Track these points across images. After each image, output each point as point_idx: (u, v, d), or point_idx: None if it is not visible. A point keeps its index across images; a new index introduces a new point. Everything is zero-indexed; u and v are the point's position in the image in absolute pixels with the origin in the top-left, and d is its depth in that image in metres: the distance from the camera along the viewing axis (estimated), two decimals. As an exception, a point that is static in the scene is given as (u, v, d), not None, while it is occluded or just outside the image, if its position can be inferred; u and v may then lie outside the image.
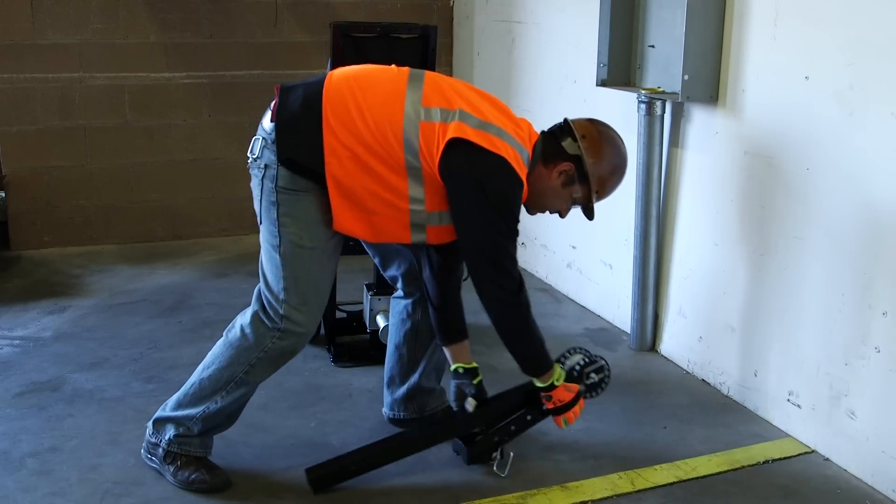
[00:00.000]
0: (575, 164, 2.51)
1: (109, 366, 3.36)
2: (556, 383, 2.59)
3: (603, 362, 2.74)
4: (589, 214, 2.62)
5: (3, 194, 4.77)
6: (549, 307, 4.13)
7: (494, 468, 2.66)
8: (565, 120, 2.59)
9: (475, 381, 2.74)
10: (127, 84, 4.81)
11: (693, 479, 2.66)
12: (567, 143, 2.52)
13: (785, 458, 2.79)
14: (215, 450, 2.64)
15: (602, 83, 3.55)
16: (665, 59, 3.35)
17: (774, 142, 2.93)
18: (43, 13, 4.59)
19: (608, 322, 3.93)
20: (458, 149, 2.33)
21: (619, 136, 2.60)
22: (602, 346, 3.66)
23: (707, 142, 3.25)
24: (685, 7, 3.04)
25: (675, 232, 3.46)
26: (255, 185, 2.48)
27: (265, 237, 2.50)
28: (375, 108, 2.36)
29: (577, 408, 2.65)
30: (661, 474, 2.67)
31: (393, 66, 2.52)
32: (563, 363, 2.73)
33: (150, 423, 2.63)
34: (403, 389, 2.88)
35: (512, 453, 2.67)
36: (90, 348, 3.52)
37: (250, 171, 2.50)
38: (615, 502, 2.54)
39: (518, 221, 2.45)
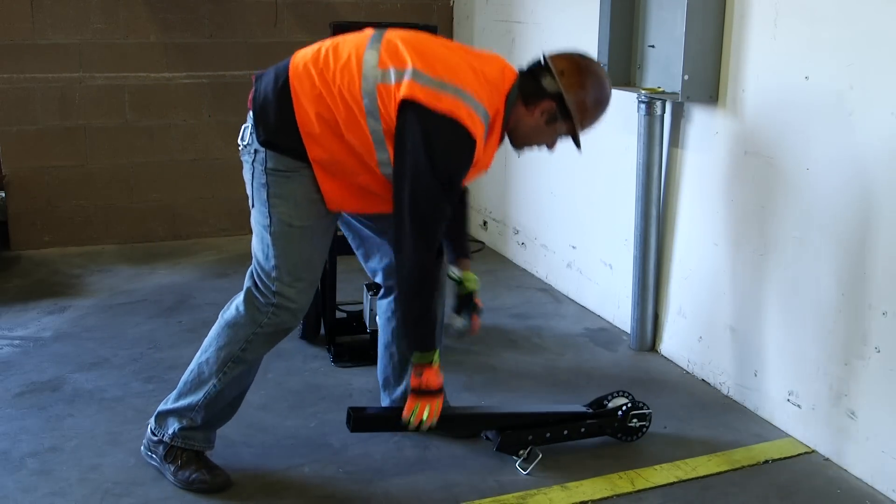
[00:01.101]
0: (556, 101, 2.46)
1: (109, 366, 3.36)
2: (433, 362, 2.48)
3: (649, 411, 2.83)
4: (577, 145, 2.56)
5: (3, 194, 4.77)
6: (549, 307, 4.13)
7: (517, 464, 2.68)
8: (543, 56, 2.52)
9: (462, 293, 2.73)
10: (127, 84, 4.81)
11: (693, 479, 2.66)
12: (547, 82, 2.46)
13: (785, 458, 2.79)
14: (215, 450, 2.64)
15: (602, 83, 3.54)
16: (665, 59, 3.35)
17: (774, 142, 2.93)
18: (43, 13, 4.59)
19: (608, 322, 3.93)
20: (408, 109, 2.31)
21: (599, 67, 2.55)
22: (602, 346, 3.66)
23: (707, 142, 3.25)
24: (685, 7, 3.04)
25: (675, 232, 3.46)
26: (246, 170, 2.53)
27: (256, 219, 2.54)
28: (336, 78, 2.37)
29: (436, 403, 2.51)
30: (661, 474, 2.67)
31: (364, 30, 2.52)
32: (606, 404, 2.83)
33: (151, 419, 2.64)
34: (401, 389, 2.88)
35: (540, 454, 2.68)
36: (90, 348, 3.52)
37: (242, 157, 2.55)
38: (615, 502, 2.54)
39: (459, 184, 2.44)
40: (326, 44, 2.49)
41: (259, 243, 2.54)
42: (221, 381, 2.54)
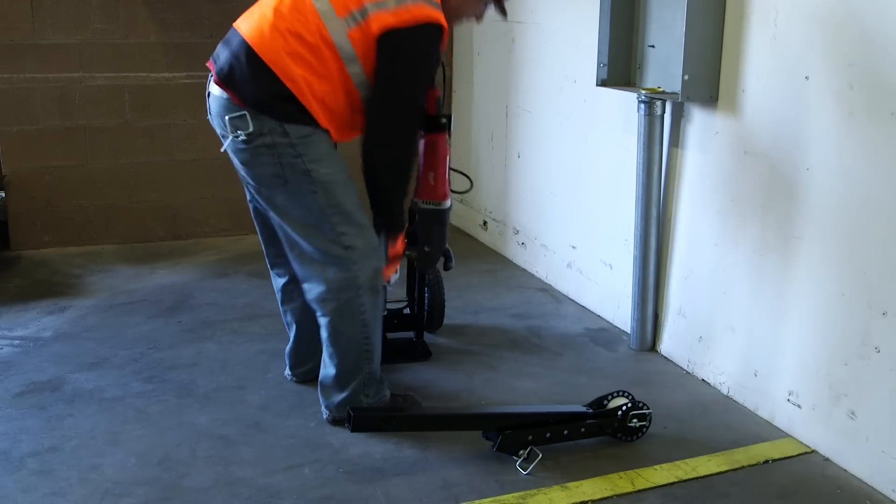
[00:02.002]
0: None
1: (109, 366, 3.36)
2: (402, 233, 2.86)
3: (649, 411, 2.84)
4: (503, 12, 2.90)
5: (3, 194, 4.77)
6: (549, 307, 4.13)
7: (517, 464, 2.68)
8: None
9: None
10: (127, 84, 4.81)
11: (693, 479, 2.66)
12: None
13: (785, 458, 2.79)
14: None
15: (602, 83, 3.54)
16: (665, 59, 3.35)
17: (774, 142, 2.93)
18: (43, 13, 4.59)
19: (608, 322, 3.93)
20: (387, 39, 2.53)
21: None
22: (602, 346, 3.66)
23: (707, 142, 3.25)
24: (685, 7, 3.04)
25: (675, 232, 3.46)
26: (262, 158, 2.63)
27: (297, 195, 2.63)
28: (295, 26, 2.55)
29: (394, 266, 2.89)
30: (661, 474, 2.67)
31: None
32: (606, 404, 2.85)
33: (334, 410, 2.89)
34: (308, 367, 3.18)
35: (540, 454, 2.68)
36: (90, 348, 3.52)
37: (245, 150, 2.63)
38: (615, 502, 2.54)
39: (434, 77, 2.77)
40: (265, 8, 2.64)
41: (309, 218, 2.66)
42: (371, 352, 2.81)
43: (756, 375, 3.08)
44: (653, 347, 3.60)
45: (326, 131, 2.66)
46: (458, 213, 5.45)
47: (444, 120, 3.04)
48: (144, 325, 3.78)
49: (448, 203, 3.14)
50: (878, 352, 2.59)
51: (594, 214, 4.02)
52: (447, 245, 3.16)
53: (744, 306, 3.12)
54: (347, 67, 2.59)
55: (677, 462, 2.74)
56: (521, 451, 2.69)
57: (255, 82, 2.58)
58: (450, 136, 3.09)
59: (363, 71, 2.60)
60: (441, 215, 3.14)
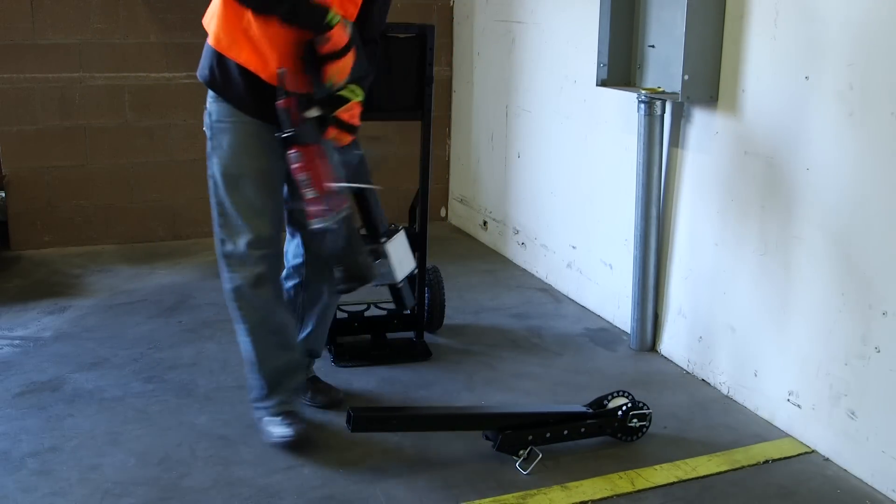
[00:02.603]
0: None
1: (109, 366, 3.36)
2: (332, 22, 2.43)
3: (649, 411, 2.84)
4: None
5: (3, 194, 4.77)
6: (549, 307, 4.13)
7: (517, 464, 2.68)
8: None
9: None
10: (127, 84, 4.81)
11: (693, 479, 2.66)
12: None
13: (785, 458, 2.79)
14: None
15: (602, 83, 3.54)
16: (665, 59, 3.35)
17: (774, 142, 2.93)
18: (43, 13, 4.59)
19: (608, 322, 3.93)
20: None
21: None
22: (602, 346, 3.66)
23: (707, 142, 3.25)
24: (685, 7, 3.04)
25: (675, 232, 3.46)
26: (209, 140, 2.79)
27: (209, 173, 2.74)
28: None
29: (348, 59, 2.48)
30: (661, 474, 2.67)
31: None
32: (606, 404, 2.85)
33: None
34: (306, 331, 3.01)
35: (540, 454, 2.68)
36: (90, 348, 3.52)
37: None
38: (615, 502, 2.54)
39: None
40: None
41: (210, 197, 2.73)
42: (254, 362, 2.75)
43: (756, 375, 3.08)
44: (653, 347, 3.60)
45: (243, 129, 2.67)
46: (459, 213, 5.45)
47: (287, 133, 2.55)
48: (144, 325, 3.78)
49: (315, 224, 2.54)
50: (878, 352, 2.59)
51: (594, 214, 4.02)
52: (341, 267, 2.61)
53: (744, 306, 3.12)
54: None
55: (677, 462, 2.74)
56: (521, 451, 2.69)
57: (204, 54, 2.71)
58: (300, 150, 2.54)
59: None
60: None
